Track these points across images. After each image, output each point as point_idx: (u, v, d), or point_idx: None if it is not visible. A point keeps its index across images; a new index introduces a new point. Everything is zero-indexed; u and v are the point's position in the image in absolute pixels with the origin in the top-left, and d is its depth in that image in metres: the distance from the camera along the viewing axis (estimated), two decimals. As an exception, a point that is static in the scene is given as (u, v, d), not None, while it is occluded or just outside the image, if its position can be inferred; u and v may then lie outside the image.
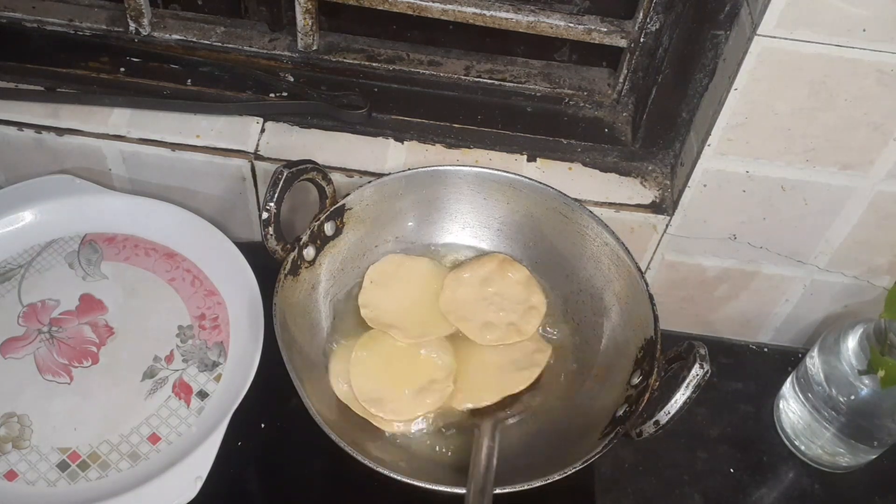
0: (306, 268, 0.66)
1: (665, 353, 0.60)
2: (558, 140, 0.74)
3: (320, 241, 0.67)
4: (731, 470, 0.71)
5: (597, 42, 0.70)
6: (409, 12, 0.69)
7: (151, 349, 0.66)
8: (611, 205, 0.71)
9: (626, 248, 0.66)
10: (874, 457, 0.69)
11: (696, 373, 0.54)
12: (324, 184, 0.66)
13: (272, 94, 0.74)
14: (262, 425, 0.67)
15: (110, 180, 0.75)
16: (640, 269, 0.65)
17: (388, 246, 0.72)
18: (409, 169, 0.69)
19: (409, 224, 0.72)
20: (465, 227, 0.73)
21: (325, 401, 0.61)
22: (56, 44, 0.75)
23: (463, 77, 0.75)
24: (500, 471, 0.57)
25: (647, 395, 0.58)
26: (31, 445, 0.61)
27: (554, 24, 0.69)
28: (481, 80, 0.75)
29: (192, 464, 0.59)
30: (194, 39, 0.75)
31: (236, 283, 0.69)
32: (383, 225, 0.71)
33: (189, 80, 0.74)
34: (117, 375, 0.65)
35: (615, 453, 0.69)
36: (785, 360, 0.78)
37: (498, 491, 0.54)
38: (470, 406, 0.64)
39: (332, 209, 0.67)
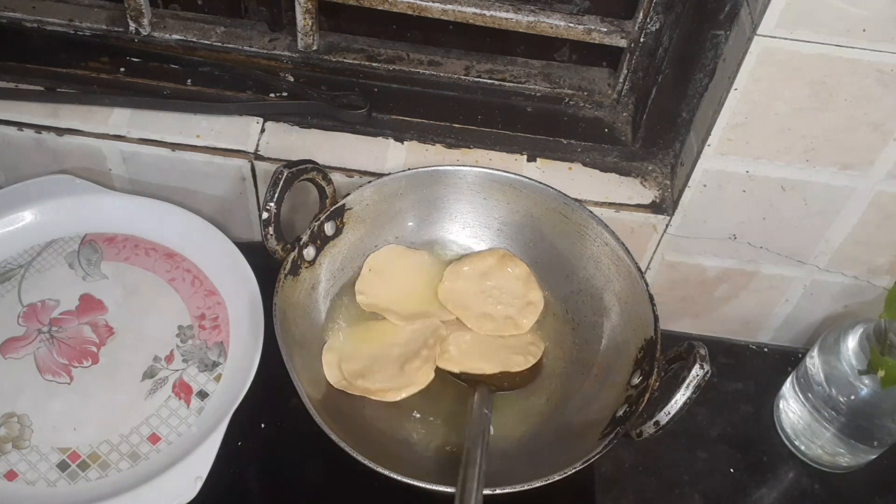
0: (306, 268, 0.66)
1: (665, 354, 0.60)
2: (558, 140, 0.74)
3: (320, 241, 0.67)
4: (731, 470, 0.71)
5: (597, 42, 0.70)
6: (409, 12, 0.69)
7: (151, 349, 0.66)
8: (611, 205, 0.71)
9: (626, 248, 0.66)
10: (874, 457, 0.69)
11: (696, 373, 0.54)
12: (324, 184, 0.66)
13: (272, 94, 0.74)
14: (262, 425, 0.67)
15: (110, 180, 0.75)
16: (640, 269, 0.65)
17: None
18: (409, 169, 0.69)
19: (409, 224, 0.72)
20: (465, 227, 0.73)
21: (326, 400, 0.61)
22: (56, 44, 0.75)
23: (463, 77, 0.75)
24: (501, 471, 0.57)
25: (647, 396, 0.58)
26: (31, 445, 0.61)
27: (554, 24, 0.69)
28: (481, 80, 0.75)
29: (192, 464, 0.59)
30: (194, 39, 0.75)
31: (236, 283, 0.69)
32: (383, 225, 0.71)
33: (189, 80, 0.74)
34: (117, 375, 0.65)
35: (615, 453, 0.69)
36: (785, 360, 0.78)
37: (498, 491, 0.54)
38: (466, 370, 0.66)
39: (332, 209, 0.67)
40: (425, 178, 0.70)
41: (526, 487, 0.54)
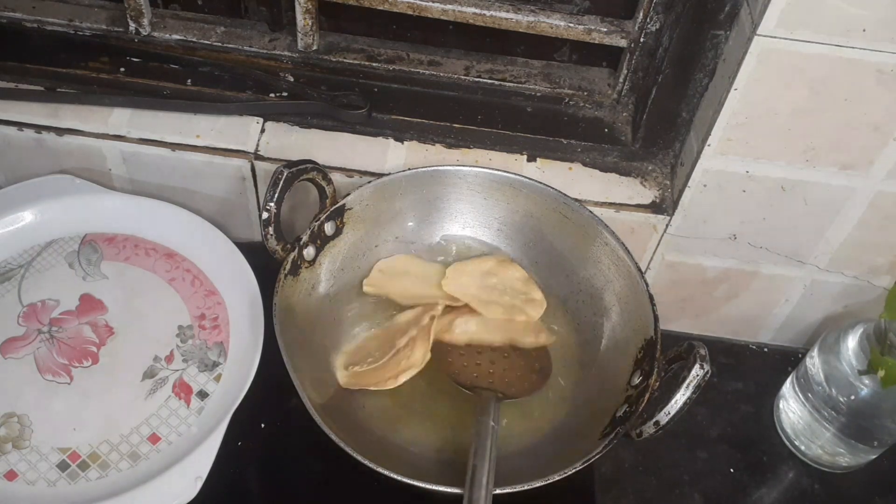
0: (306, 268, 0.66)
1: (665, 354, 0.60)
2: (558, 140, 0.74)
3: (320, 241, 0.67)
4: (731, 470, 0.71)
5: (597, 42, 0.70)
6: (409, 12, 0.69)
7: (151, 349, 0.66)
8: (611, 205, 0.71)
9: (626, 248, 0.66)
10: (874, 457, 0.69)
11: (697, 373, 0.54)
12: (324, 184, 0.66)
13: (272, 94, 0.74)
14: (262, 425, 0.67)
15: (110, 180, 0.75)
16: (640, 269, 0.65)
17: (388, 246, 0.72)
18: (409, 169, 0.69)
19: (409, 224, 0.72)
20: (465, 227, 0.73)
21: (326, 400, 0.61)
22: (56, 44, 0.75)
23: (463, 77, 0.75)
24: (501, 471, 0.57)
25: (647, 396, 0.58)
26: (31, 445, 0.61)
27: (554, 24, 0.69)
28: (481, 80, 0.75)
29: (192, 464, 0.59)
30: (194, 39, 0.75)
31: (236, 283, 0.69)
32: (383, 225, 0.71)
33: (189, 80, 0.74)
34: (117, 375, 0.65)
35: (615, 453, 0.69)
36: (785, 360, 0.78)
37: (498, 491, 0.54)
38: (474, 341, 0.66)
39: (332, 209, 0.67)
40: (425, 178, 0.70)
41: (526, 487, 0.54)
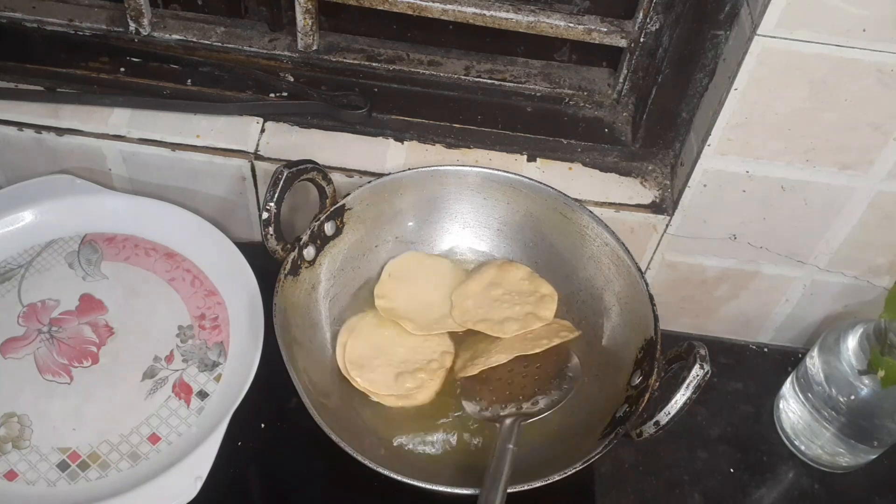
0: (306, 268, 0.66)
1: (665, 354, 0.60)
2: (558, 140, 0.74)
3: (320, 241, 0.67)
4: (731, 470, 0.71)
5: (597, 42, 0.70)
6: (409, 12, 0.69)
7: (151, 349, 0.66)
8: (611, 205, 0.71)
9: (626, 248, 0.66)
10: (874, 457, 0.69)
11: (697, 373, 0.54)
12: (324, 184, 0.66)
13: (272, 94, 0.74)
14: (262, 425, 0.67)
15: (110, 180, 0.75)
16: (640, 269, 0.65)
17: (388, 246, 0.72)
18: (409, 169, 0.69)
19: (409, 224, 0.72)
20: (465, 227, 0.73)
21: (326, 400, 0.61)
22: (56, 44, 0.75)
23: (463, 77, 0.75)
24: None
25: (647, 396, 0.58)
26: (31, 445, 0.61)
27: (554, 24, 0.69)
28: (481, 80, 0.75)
29: (192, 464, 0.59)
30: (194, 39, 0.75)
31: (236, 283, 0.69)
32: (383, 225, 0.71)
33: (189, 80, 0.74)
34: (117, 375, 0.65)
35: (615, 453, 0.69)
36: (785, 360, 0.78)
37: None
38: (485, 366, 0.65)
39: (332, 209, 0.67)
40: (425, 178, 0.70)
41: (526, 487, 0.54)
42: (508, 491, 0.54)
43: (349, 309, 0.69)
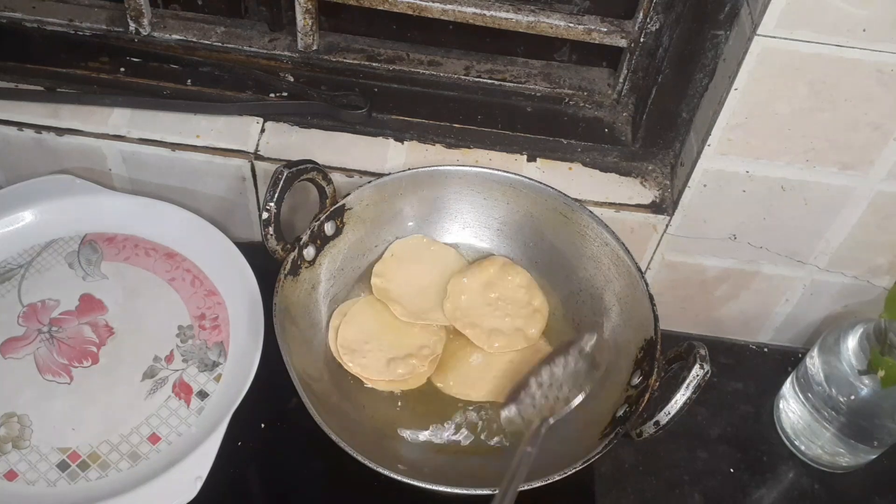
0: (306, 268, 0.66)
1: (665, 354, 0.60)
2: (558, 140, 0.74)
3: (320, 241, 0.67)
4: (731, 470, 0.71)
5: (597, 42, 0.70)
6: (409, 12, 0.69)
7: (151, 349, 0.66)
8: (611, 205, 0.71)
9: (626, 248, 0.66)
10: (874, 457, 0.69)
11: (697, 373, 0.54)
12: (324, 184, 0.66)
13: (272, 94, 0.74)
14: (262, 425, 0.67)
15: (110, 180, 0.75)
16: (640, 269, 0.65)
17: (388, 246, 0.72)
18: (409, 169, 0.69)
19: (409, 224, 0.72)
20: (465, 227, 0.73)
21: (326, 400, 0.61)
22: (56, 44, 0.75)
23: (463, 77, 0.75)
24: (501, 470, 0.57)
25: (647, 396, 0.58)
26: (31, 445, 0.61)
27: (554, 24, 0.69)
28: (481, 80, 0.75)
29: (192, 464, 0.59)
30: (194, 39, 0.75)
31: (236, 283, 0.69)
32: (383, 225, 0.71)
33: (189, 80, 0.74)
34: (117, 375, 0.65)
35: (615, 453, 0.69)
36: (785, 360, 0.78)
37: (498, 491, 0.54)
38: (454, 395, 0.66)
39: (332, 209, 0.67)
40: (425, 178, 0.70)
41: (526, 487, 0.54)
42: (508, 491, 0.54)
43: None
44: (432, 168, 0.70)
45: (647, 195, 0.72)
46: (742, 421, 0.74)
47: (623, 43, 0.69)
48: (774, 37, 0.56)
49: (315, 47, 0.75)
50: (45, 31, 0.75)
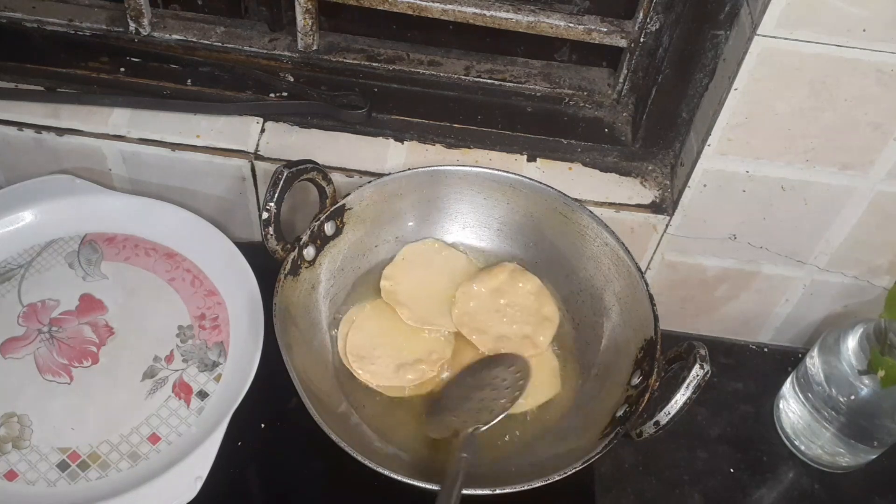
0: (306, 268, 0.66)
1: (665, 354, 0.60)
2: (558, 140, 0.74)
3: (320, 240, 0.67)
4: (731, 470, 0.71)
5: (597, 42, 0.70)
6: (409, 12, 0.69)
7: (151, 349, 0.66)
8: (611, 205, 0.71)
9: (626, 248, 0.66)
10: (874, 457, 0.69)
11: (697, 373, 0.54)
12: (324, 184, 0.66)
13: (272, 94, 0.74)
14: (262, 425, 0.67)
15: (110, 180, 0.75)
16: (640, 269, 0.65)
17: (388, 246, 0.72)
18: (409, 169, 0.69)
19: (410, 224, 0.72)
20: (465, 227, 0.73)
21: (326, 400, 0.61)
22: (56, 44, 0.75)
23: (463, 77, 0.75)
24: (501, 471, 0.57)
25: (647, 396, 0.58)
26: (31, 445, 0.61)
27: (554, 24, 0.69)
28: (481, 80, 0.75)
29: (192, 464, 0.59)
30: (194, 39, 0.75)
31: (236, 283, 0.69)
32: (383, 225, 0.71)
33: (189, 80, 0.74)
34: (117, 375, 0.65)
35: (615, 453, 0.69)
36: (785, 360, 0.78)
37: (498, 491, 0.54)
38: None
39: (332, 209, 0.67)
40: (425, 178, 0.70)
41: (526, 487, 0.54)
42: (508, 490, 0.54)
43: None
44: (432, 168, 0.70)
45: (647, 195, 0.72)
46: (742, 421, 0.74)
47: (623, 43, 0.69)
48: (774, 37, 0.56)
49: (315, 47, 0.75)
50: (45, 31, 0.75)
